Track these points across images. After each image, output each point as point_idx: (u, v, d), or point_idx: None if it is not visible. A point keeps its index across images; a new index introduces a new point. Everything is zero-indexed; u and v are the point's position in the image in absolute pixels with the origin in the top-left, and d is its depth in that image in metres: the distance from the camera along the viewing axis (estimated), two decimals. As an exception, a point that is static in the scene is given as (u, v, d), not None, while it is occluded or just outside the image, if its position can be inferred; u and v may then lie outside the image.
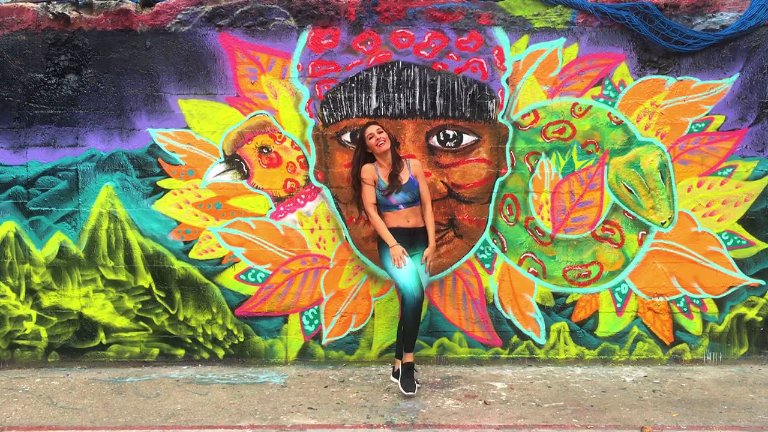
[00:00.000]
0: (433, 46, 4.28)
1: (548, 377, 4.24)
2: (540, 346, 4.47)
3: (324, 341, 4.48)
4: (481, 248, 4.41)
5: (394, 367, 4.13)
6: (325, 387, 4.09)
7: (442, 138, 4.34)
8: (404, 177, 3.97)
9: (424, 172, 4.17)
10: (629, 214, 4.39)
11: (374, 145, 3.91)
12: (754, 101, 4.30)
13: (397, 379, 3.97)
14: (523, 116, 4.33)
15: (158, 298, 4.46)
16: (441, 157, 4.34)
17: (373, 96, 4.32)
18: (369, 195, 3.95)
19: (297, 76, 4.32)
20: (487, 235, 4.40)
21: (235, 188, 4.40)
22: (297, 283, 4.44)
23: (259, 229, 4.42)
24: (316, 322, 4.47)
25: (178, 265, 4.44)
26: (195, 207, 4.41)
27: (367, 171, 3.96)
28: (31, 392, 4.06)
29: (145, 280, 4.45)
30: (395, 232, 3.93)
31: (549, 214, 4.39)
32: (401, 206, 3.95)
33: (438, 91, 4.31)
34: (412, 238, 3.98)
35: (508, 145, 4.35)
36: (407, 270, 3.83)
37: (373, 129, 3.94)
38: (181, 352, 4.51)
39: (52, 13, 4.29)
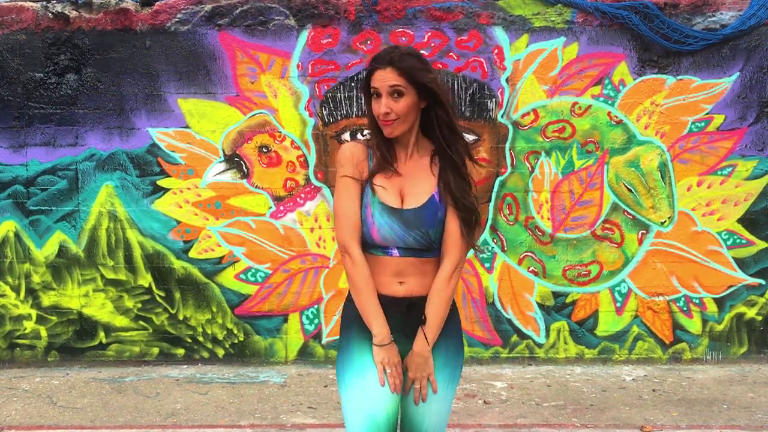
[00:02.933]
0: (432, 45, 4.28)
1: (548, 376, 4.24)
2: (540, 346, 4.47)
3: (324, 340, 4.48)
4: (481, 247, 4.41)
5: None
6: (325, 386, 4.09)
7: (441, 137, 4.33)
8: (422, 191, 1.97)
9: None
10: (629, 214, 4.39)
11: (377, 116, 1.94)
12: (754, 100, 4.30)
13: None
14: (523, 115, 4.33)
15: (158, 298, 4.46)
16: (441, 156, 4.34)
17: (373, 95, 4.32)
18: (345, 205, 1.95)
19: (297, 75, 4.32)
20: (486, 234, 4.40)
21: (235, 187, 4.40)
22: (297, 282, 4.44)
23: (259, 228, 4.42)
24: (316, 321, 4.47)
25: (177, 264, 4.43)
26: (195, 206, 4.41)
27: (350, 151, 1.99)
28: (31, 391, 4.06)
29: (145, 279, 4.45)
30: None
31: (549, 214, 4.39)
32: (394, 251, 1.95)
33: (438, 90, 4.30)
34: (412, 319, 1.95)
35: (507, 145, 4.35)
36: (364, 417, 1.90)
37: (380, 82, 1.91)
38: (180, 351, 4.51)
39: (52, 13, 4.29)
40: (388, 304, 1.94)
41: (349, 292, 2.03)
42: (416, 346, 1.95)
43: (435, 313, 1.95)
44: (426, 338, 1.94)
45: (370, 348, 1.94)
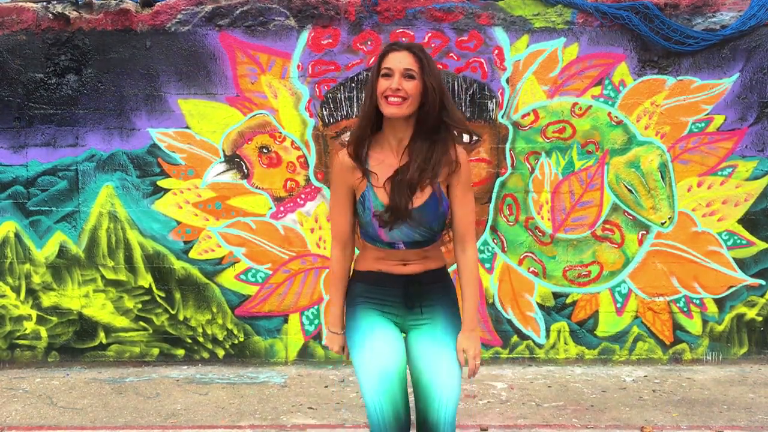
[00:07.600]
0: (433, 45, 4.28)
1: (548, 377, 4.24)
2: (540, 346, 4.47)
3: (324, 341, 4.48)
4: (481, 248, 4.41)
5: None
6: (325, 387, 4.09)
7: (442, 138, 4.33)
8: (423, 192, 2.06)
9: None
10: (629, 214, 4.39)
11: (383, 96, 2.04)
12: (754, 101, 4.30)
13: None
14: (523, 116, 4.33)
15: (158, 298, 4.46)
16: (441, 156, 4.34)
17: (373, 96, 4.32)
18: (335, 219, 2.18)
19: (297, 75, 4.32)
20: (487, 235, 4.40)
21: (235, 188, 4.40)
22: (297, 282, 4.44)
23: (259, 228, 4.42)
24: (316, 322, 4.47)
25: (178, 265, 4.43)
26: (195, 207, 4.41)
27: (339, 160, 2.14)
28: (31, 392, 4.06)
29: (145, 280, 4.45)
30: (373, 278, 2.15)
31: (549, 214, 4.39)
32: (400, 245, 2.11)
33: (438, 90, 4.30)
34: (412, 292, 2.13)
35: (508, 145, 4.35)
36: (377, 370, 2.04)
37: (395, 63, 2.03)
38: (181, 352, 4.50)
39: (52, 13, 4.29)
40: (390, 279, 2.14)
41: (354, 271, 2.25)
42: (465, 324, 2.19)
43: (468, 300, 2.17)
44: (469, 317, 2.18)
45: (375, 312, 2.15)
